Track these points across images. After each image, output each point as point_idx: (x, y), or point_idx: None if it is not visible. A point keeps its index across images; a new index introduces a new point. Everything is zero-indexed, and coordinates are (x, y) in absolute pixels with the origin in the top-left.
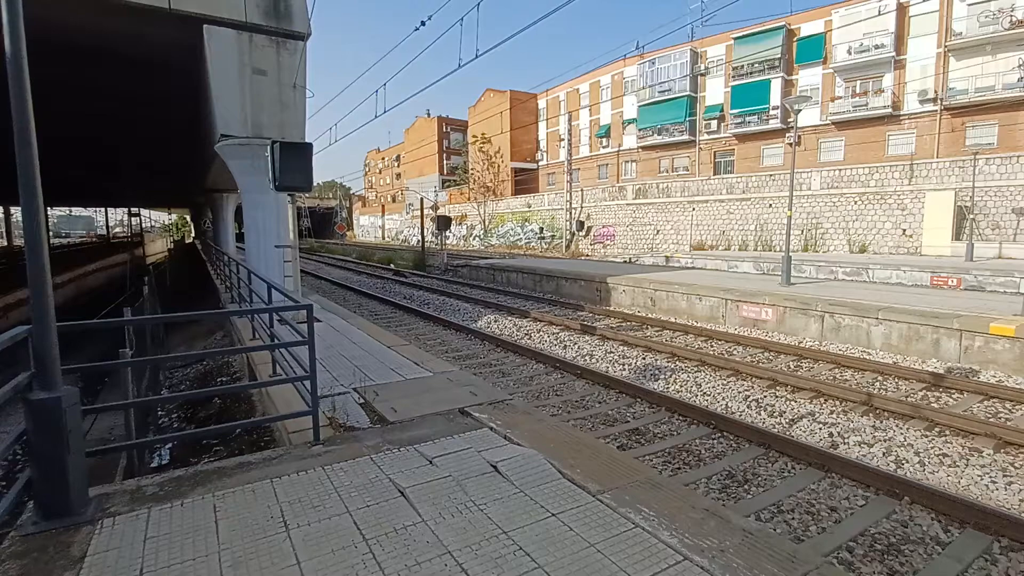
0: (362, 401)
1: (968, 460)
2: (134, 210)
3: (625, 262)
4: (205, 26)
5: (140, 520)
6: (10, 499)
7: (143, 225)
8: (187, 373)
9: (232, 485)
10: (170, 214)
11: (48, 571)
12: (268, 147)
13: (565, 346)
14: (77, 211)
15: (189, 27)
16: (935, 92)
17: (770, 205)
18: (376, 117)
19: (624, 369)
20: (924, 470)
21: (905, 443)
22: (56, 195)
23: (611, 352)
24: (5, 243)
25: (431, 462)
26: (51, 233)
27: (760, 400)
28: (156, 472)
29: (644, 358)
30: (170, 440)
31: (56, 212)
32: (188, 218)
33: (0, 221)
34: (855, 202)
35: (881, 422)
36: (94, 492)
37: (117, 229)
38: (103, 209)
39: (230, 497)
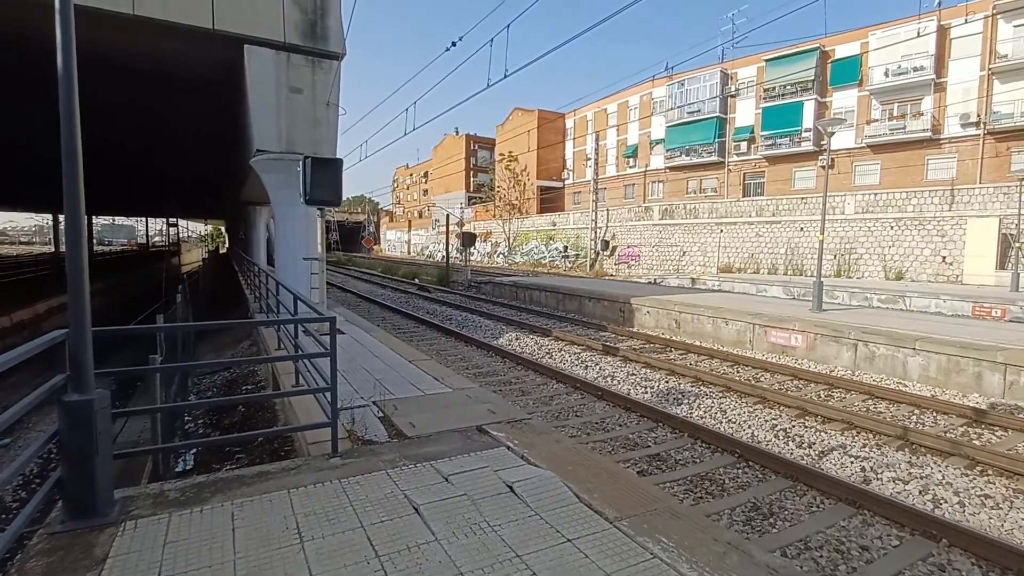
0: (381, 415)
1: (1012, 502)
2: (172, 220)
3: (650, 283)
4: (246, 46)
5: (161, 524)
6: (40, 497)
7: (180, 235)
8: (214, 380)
9: (251, 494)
10: (206, 225)
11: (72, 570)
12: (300, 162)
13: (586, 366)
14: (120, 220)
15: (230, 47)
16: (978, 116)
17: (801, 228)
18: (406, 135)
19: (646, 392)
20: (964, 511)
21: (944, 481)
22: (100, 204)
23: (633, 374)
24: (52, 249)
25: (447, 479)
26: (94, 241)
27: (788, 430)
28: (180, 477)
29: (667, 381)
30: (194, 446)
31: (100, 221)
32: (223, 229)
33: (48, 229)
34: (891, 227)
35: (918, 458)
36: (119, 494)
37: (156, 238)
38: (144, 219)
39: (248, 506)
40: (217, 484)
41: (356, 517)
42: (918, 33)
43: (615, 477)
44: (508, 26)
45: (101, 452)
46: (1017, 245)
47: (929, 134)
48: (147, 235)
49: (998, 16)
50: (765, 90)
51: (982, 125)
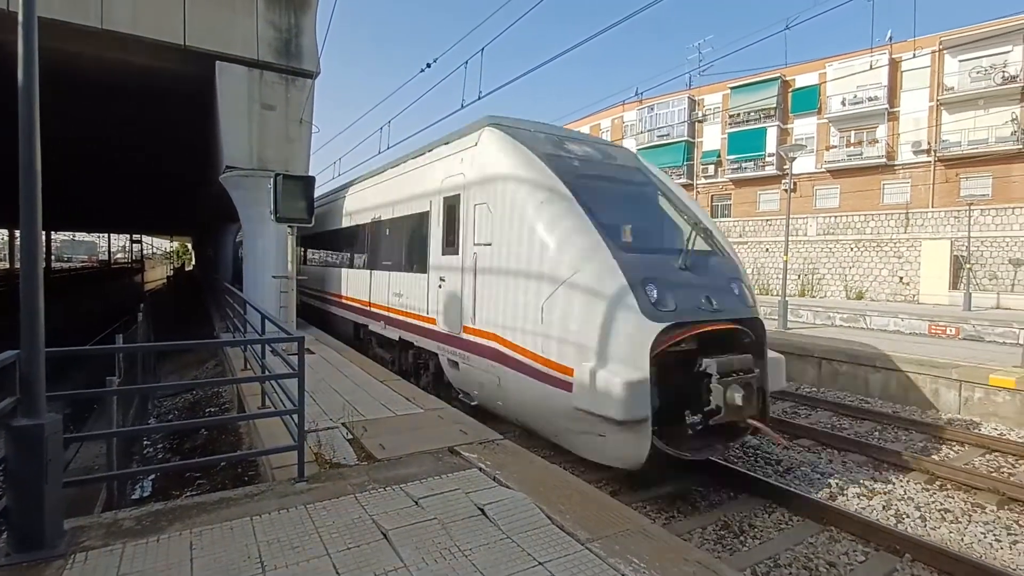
0: (350, 436)
1: (971, 516)
2: (135, 237)
3: None
4: (218, 62)
5: (114, 555)
6: None
7: (144, 252)
8: (176, 402)
9: (211, 522)
10: (172, 241)
11: None
12: (271, 179)
13: None
14: (80, 236)
15: (202, 63)
16: (928, 144)
17: (767, 249)
18: (380, 153)
19: None
20: (925, 526)
21: (905, 496)
22: (60, 219)
23: None
24: (7, 265)
25: (417, 503)
26: (53, 257)
27: (756, 448)
28: (136, 505)
29: None
30: (152, 472)
31: (60, 236)
32: (190, 246)
33: (3, 245)
34: (851, 248)
35: (880, 474)
36: (69, 524)
37: (119, 255)
38: (106, 234)
39: (207, 534)
40: (175, 512)
41: (322, 544)
42: (871, 66)
43: (587, 497)
44: (482, 50)
45: (50, 480)
46: (968, 266)
47: (884, 160)
48: (109, 251)
49: (944, 51)
50: (730, 116)
51: (932, 152)
